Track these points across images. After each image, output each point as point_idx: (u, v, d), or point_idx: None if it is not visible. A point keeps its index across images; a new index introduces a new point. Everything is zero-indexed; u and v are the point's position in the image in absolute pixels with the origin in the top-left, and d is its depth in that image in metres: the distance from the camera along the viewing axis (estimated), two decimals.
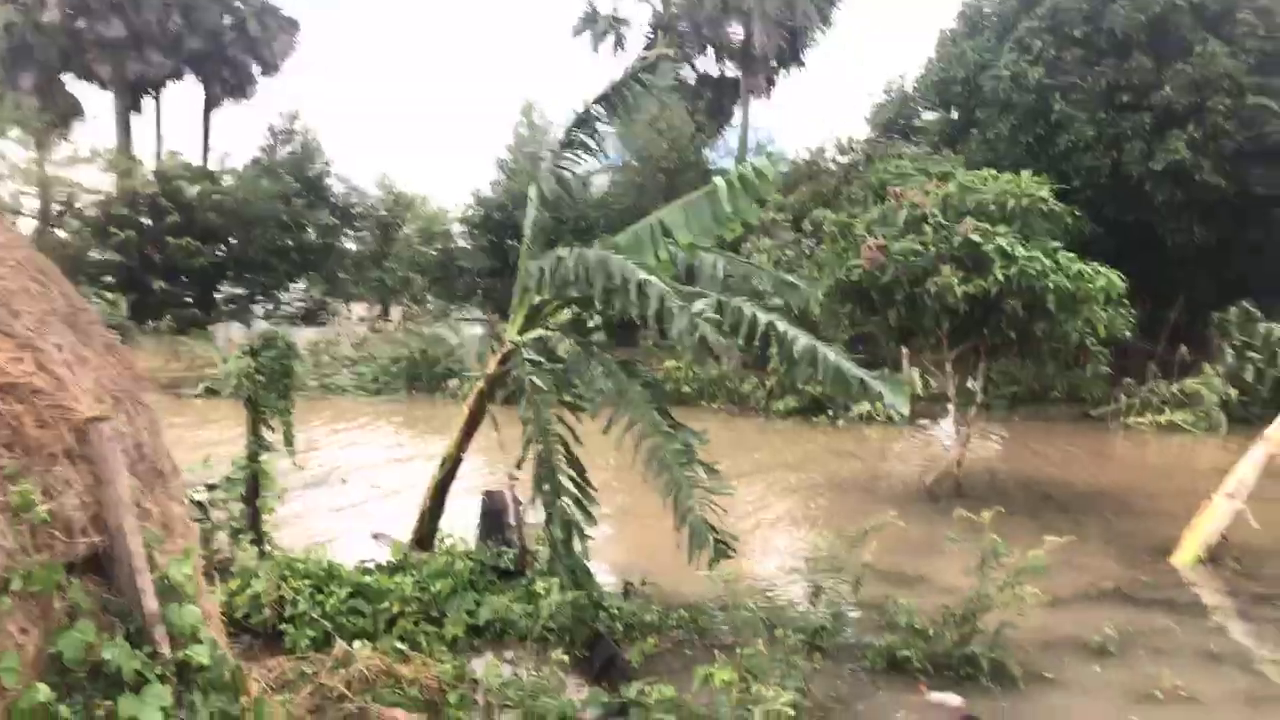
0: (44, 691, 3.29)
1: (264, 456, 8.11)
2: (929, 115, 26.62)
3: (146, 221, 34.08)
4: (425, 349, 23.16)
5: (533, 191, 8.54)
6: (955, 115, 25.32)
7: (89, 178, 35.06)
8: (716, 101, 42.04)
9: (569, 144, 8.51)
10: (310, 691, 5.61)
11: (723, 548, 6.77)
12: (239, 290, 38.60)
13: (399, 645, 6.47)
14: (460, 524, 9.00)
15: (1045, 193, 12.58)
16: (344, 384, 22.82)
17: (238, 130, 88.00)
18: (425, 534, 8.71)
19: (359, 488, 12.71)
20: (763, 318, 7.29)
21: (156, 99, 45.09)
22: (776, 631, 6.68)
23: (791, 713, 5.34)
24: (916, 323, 12.44)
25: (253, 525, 8.05)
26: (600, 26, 42.08)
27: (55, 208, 35.04)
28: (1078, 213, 16.89)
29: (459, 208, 36.89)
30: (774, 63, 41.52)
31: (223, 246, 35.98)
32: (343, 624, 6.84)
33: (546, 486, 6.92)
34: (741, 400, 21.25)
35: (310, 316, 41.22)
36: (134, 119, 43.71)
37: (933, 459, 14.54)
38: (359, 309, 43.46)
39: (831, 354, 7.20)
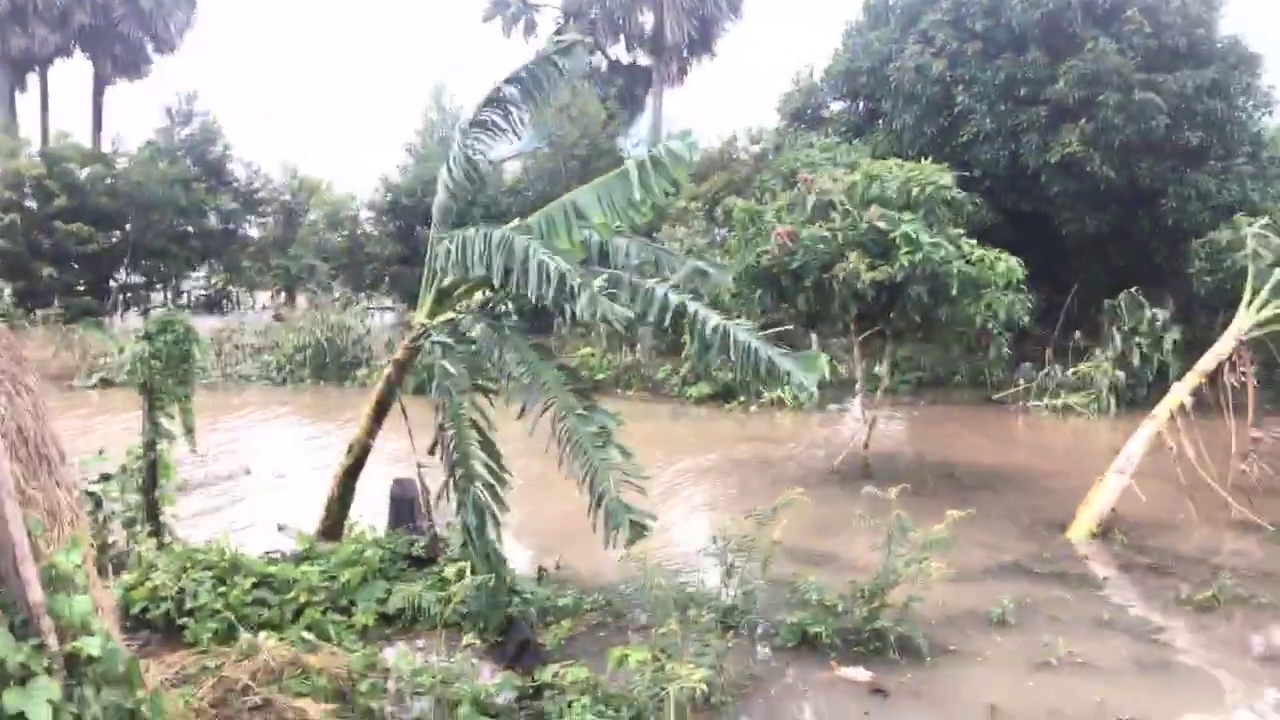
0: None
1: (162, 445, 7.82)
2: (836, 105, 27.04)
3: (32, 205, 32.42)
4: (332, 337, 22.63)
5: (442, 173, 8.40)
6: (861, 106, 25.78)
7: None
8: (629, 89, 42.03)
9: (479, 124, 8.38)
10: (213, 684, 5.44)
11: (639, 528, 6.78)
12: (135, 278, 37.10)
13: (306, 635, 6.33)
14: (371, 512, 8.84)
15: (948, 180, 12.92)
16: (248, 373, 22.16)
17: (132, 112, 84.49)
18: (333, 523, 8.54)
19: (264, 478, 12.37)
20: (674, 298, 7.32)
21: (43, 77, 42.96)
22: (690, 611, 6.74)
23: (705, 689, 5.40)
24: (825, 308, 12.67)
25: (151, 517, 7.76)
26: (511, 11, 41.63)
27: None
28: (978, 201, 17.45)
29: (367, 193, 36.13)
30: (685, 51, 41.70)
31: (117, 232, 34.44)
32: (247, 615, 6.66)
33: (459, 472, 6.83)
34: (655, 387, 21.36)
35: (212, 305, 39.87)
36: (19, 98, 41.58)
37: (841, 442, 14.84)
38: (263, 297, 42.26)
39: (742, 334, 7.28)
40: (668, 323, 7.55)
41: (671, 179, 8.00)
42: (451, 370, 7.06)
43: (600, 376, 21.54)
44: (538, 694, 5.74)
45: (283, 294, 39.98)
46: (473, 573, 6.27)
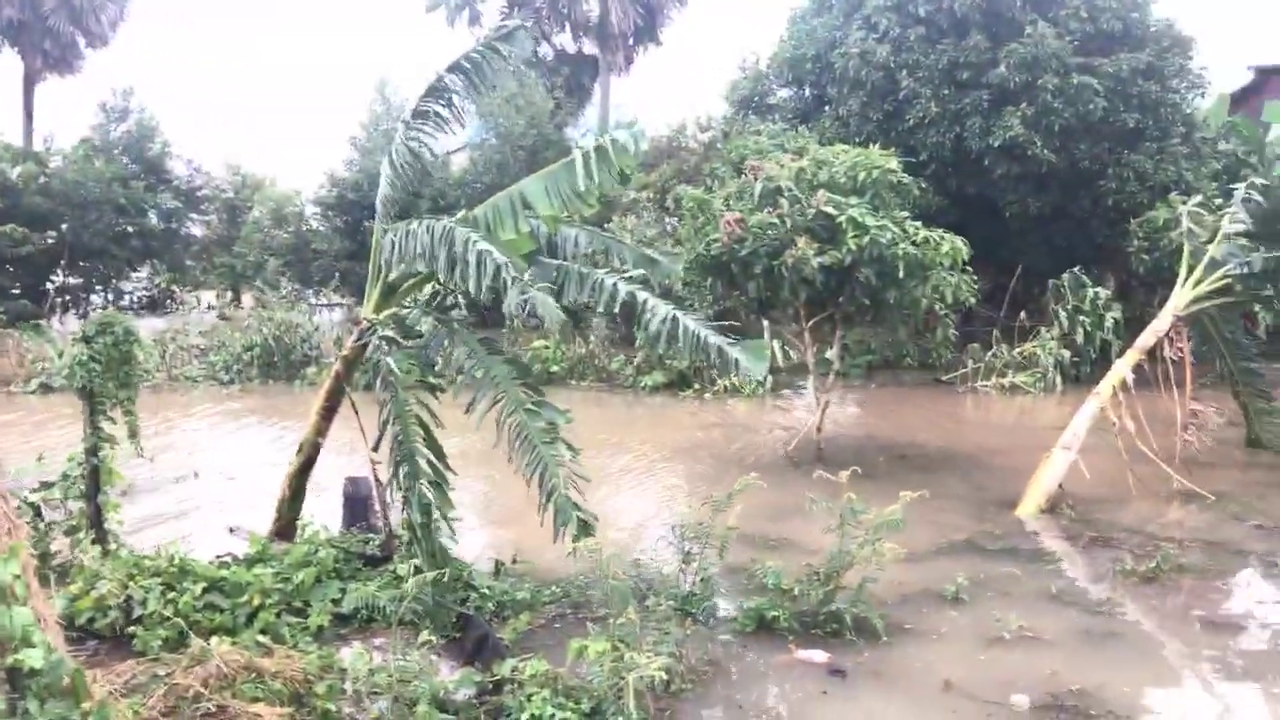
0: None
1: (105, 450, 7.63)
2: (783, 92, 27.15)
3: None
4: (280, 335, 22.25)
5: (385, 165, 8.29)
6: (808, 92, 25.93)
7: None
8: (575, 79, 41.82)
9: (421, 114, 8.28)
10: (164, 693, 5.33)
11: (586, 525, 6.79)
12: (74, 279, 36.15)
13: (260, 639, 6.24)
14: (324, 512, 8.74)
15: (894, 165, 13.05)
16: (194, 374, 21.71)
17: (65, 109, 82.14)
18: (285, 524, 8.43)
19: (213, 480, 12.14)
20: (624, 288, 7.32)
21: None
22: (648, 600, 6.76)
23: (664, 677, 5.41)
24: (775, 295, 12.74)
25: (95, 524, 7.57)
26: (454, 1, 41.19)
27: None
28: (924, 185, 17.67)
29: (312, 189, 35.54)
30: (632, 40, 41.60)
31: (53, 233, 33.48)
32: (198, 621, 6.54)
33: (404, 469, 6.77)
34: (610, 377, 21.34)
35: (155, 305, 38.99)
36: None
37: (794, 427, 14.96)
38: (208, 296, 41.44)
39: (692, 323, 7.29)
40: (617, 311, 7.54)
41: (619, 168, 7.98)
42: (395, 366, 6.99)
43: (554, 368, 21.47)
44: (497, 689, 5.72)
45: (229, 293, 39.25)
46: (420, 571, 6.21)
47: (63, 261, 34.20)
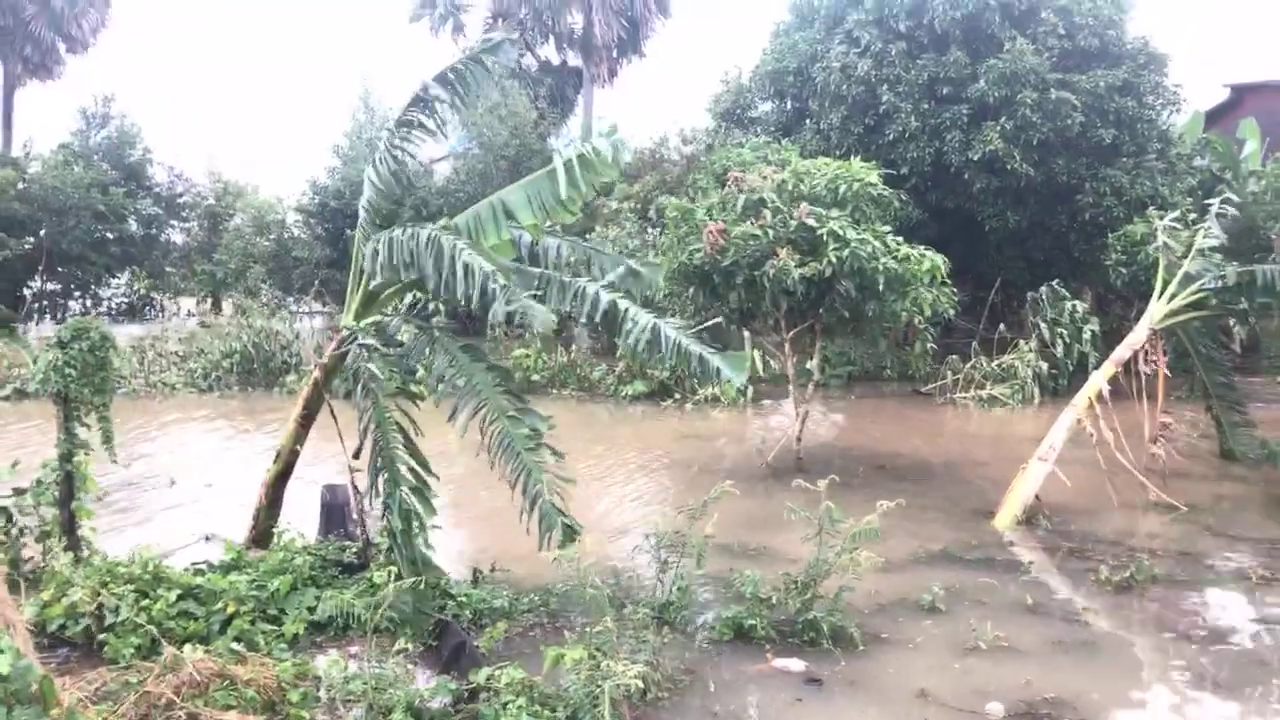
0: None
1: (79, 456, 7.57)
2: (765, 106, 27.29)
3: None
4: (259, 343, 22.12)
5: (369, 173, 8.30)
6: (790, 105, 26.07)
7: None
8: (559, 90, 41.91)
9: (405, 123, 8.29)
10: (135, 701, 5.29)
11: (571, 531, 6.79)
12: (52, 285, 35.85)
13: (235, 646, 6.20)
14: (301, 520, 8.69)
15: (874, 178, 13.14)
16: (172, 381, 21.54)
17: (46, 115, 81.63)
18: (262, 531, 8.39)
19: (190, 488, 12.05)
20: (605, 296, 7.34)
21: None
22: (625, 609, 6.77)
23: (640, 685, 5.41)
24: (756, 305, 12.80)
25: (68, 530, 7.50)
26: (439, 11, 41.25)
27: None
28: (904, 198, 17.79)
29: (294, 197, 35.44)
30: (615, 52, 41.75)
31: (30, 239, 33.22)
32: (172, 629, 6.49)
33: (384, 476, 6.75)
34: (591, 386, 21.33)
35: (134, 311, 38.72)
36: None
37: (774, 437, 15.00)
38: (188, 303, 41.16)
39: (673, 332, 7.32)
40: (599, 320, 7.56)
41: (600, 177, 8.02)
42: (377, 373, 6.98)
43: (536, 377, 21.45)
44: (473, 697, 5.70)
45: (209, 300, 39.01)
46: (400, 577, 6.19)
47: (41, 267, 33.96)
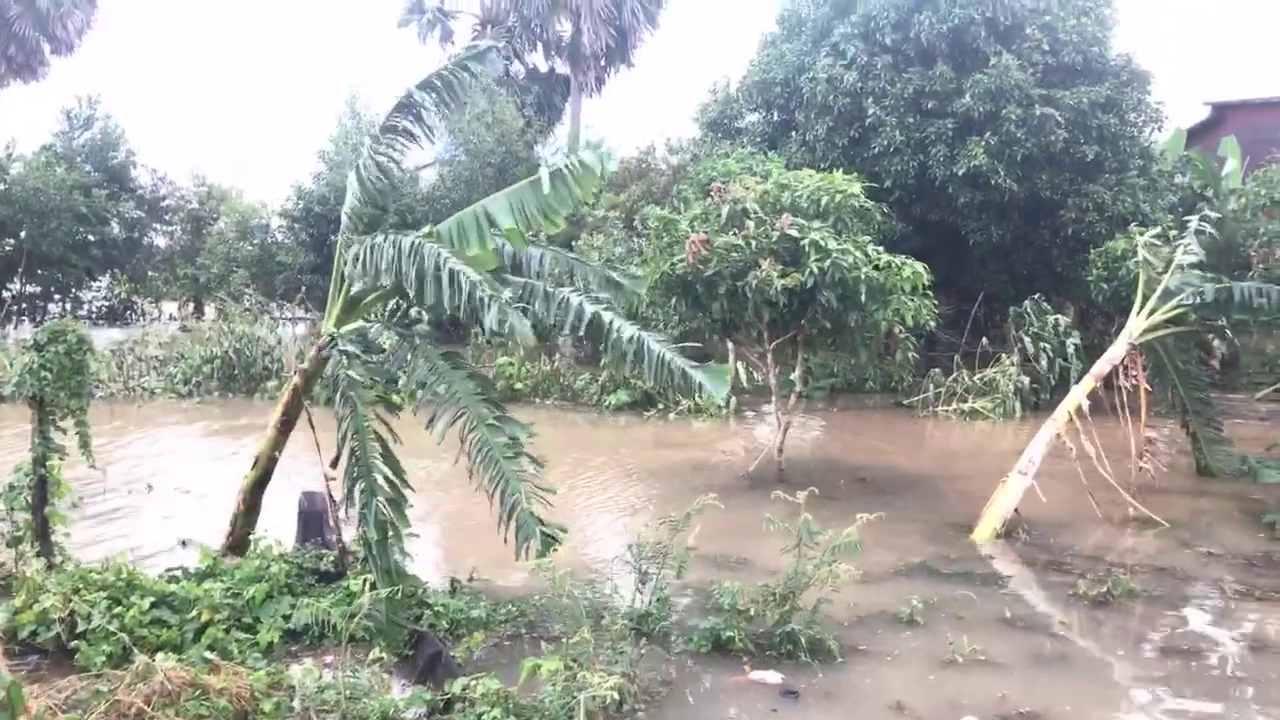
0: None
1: (53, 461, 7.49)
2: (752, 116, 27.41)
3: None
4: (240, 348, 21.99)
5: (351, 178, 8.27)
6: (776, 117, 26.19)
7: None
8: (547, 98, 41.92)
9: (390, 129, 8.28)
10: (105, 710, 5.23)
11: (550, 540, 6.76)
12: (32, 288, 35.55)
13: (208, 655, 6.14)
14: (279, 526, 8.62)
15: (857, 190, 13.19)
16: (152, 386, 21.39)
17: (29, 115, 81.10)
18: (239, 538, 8.32)
19: (167, 493, 11.95)
20: (589, 308, 7.33)
21: None
22: (603, 620, 6.74)
23: (616, 696, 5.39)
24: (738, 315, 12.82)
25: (41, 536, 7.42)
26: (426, 18, 41.24)
27: None
28: (886, 210, 17.89)
29: (278, 202, 35.30)
30: (603, 61, 41.79)
31: (10, 241, 32.96)
32: (144, 636, 6.42)
33: (360, 485, 6.71)
34: (574, 396, 21.31)
35: (115, 315, 38.46)
36: None
37: (756, 448, 15.01)
38: (170, 308, 40.90)
39: (655, 344, 7.32)
40: (583, 332, 7.55)
41: (585, 189, 8.03)
42: (357, 380, 6.94)
43: (519, 386, 21.41)
44: (448, 708, 5.67)
45: (191, 304, 38.77)
46: (374, 587, 6.15)
47: (20, 270, 33.68)
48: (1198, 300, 12.04)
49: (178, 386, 21.39)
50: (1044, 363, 20.75)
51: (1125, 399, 12.10)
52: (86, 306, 38.17)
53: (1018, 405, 20.31)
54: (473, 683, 5.64)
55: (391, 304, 8.76)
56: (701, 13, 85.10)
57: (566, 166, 7.82)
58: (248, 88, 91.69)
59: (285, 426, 8.32)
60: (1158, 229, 15.37)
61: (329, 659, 6.60)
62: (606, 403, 20.30)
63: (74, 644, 6.29)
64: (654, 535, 7.42)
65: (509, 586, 8.19)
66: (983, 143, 21.73)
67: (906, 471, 14.63)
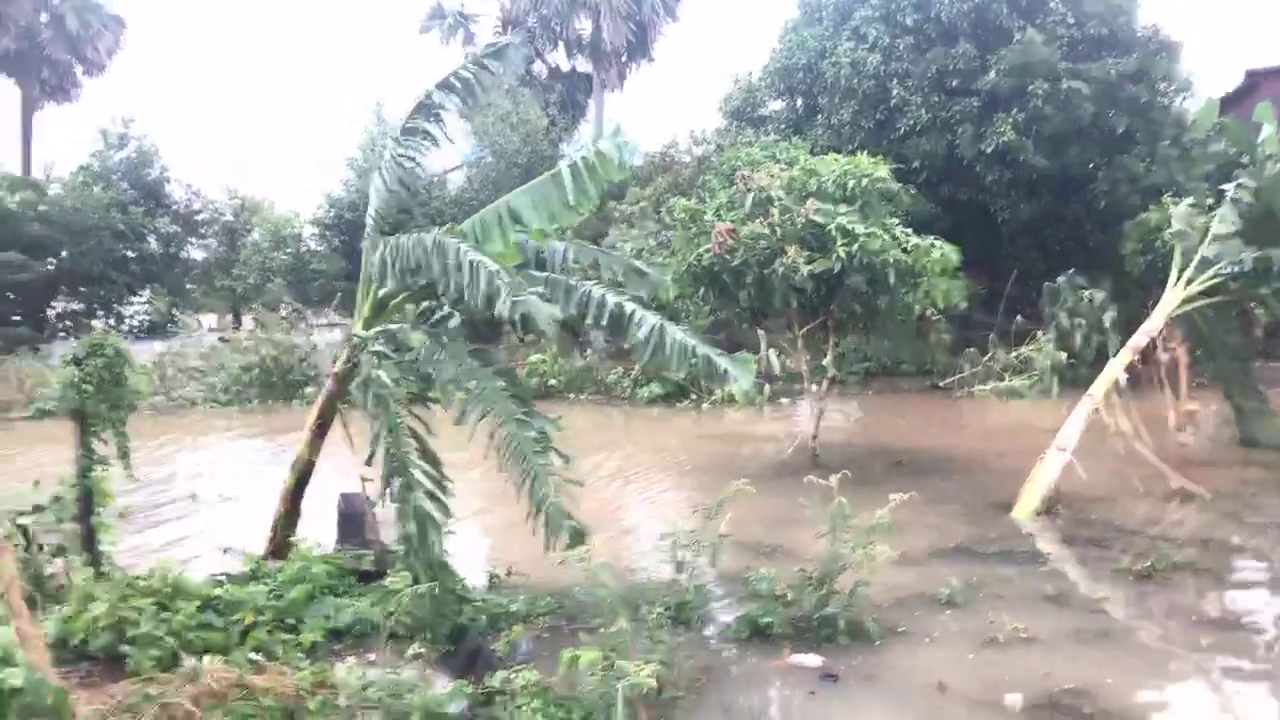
0: None
1: (97, 471, 7.64)
2: (775, 104, 27.27)
3: None
4: (278, 356, 22.30)
5: (375, 180, 8.35)
6: (800, 103, 26.05)
7: None
8: (570, 96, 42.00)
9: (410, 131, 8.34)
10: (155, 713, 5.34)
11: (578, 533, 6.79)
12: (75, 305, 36.24)
13: (253, 656, 6.24)
14: (319, 529, 8.74)
15: (883, 173, 13.09)
16: (193, 396, 21.76)
17: (65, 136, 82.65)
18: (280, 542, 8.43)
19: (210, 502, 12.16)
20: (612, 299, 7.34)
21: None
22: (641, 609, 6.76)
23: (654, 683, 5.41)
24: (767, 303, 12.78)
25: (88, 546, 7.58)
26: (448, 22, 41.46)
27: None
28: (913, 191, 17.73)
29: (310, 210, 35.71)
30: (624, 56, 41.78)
31: (52, 260, 33.63)
32: (191, 640, 6.53)
33: (397, 482, 6.78)
34: (608, 390, 21.38)
35: (155, 329, 39.08)
36: None
37: (791, 436, 14.96)
38: (209, 319, 41.51)
39: (680, 335, 7.32)
40: (605, 323, 7.57)
41: (606, 179, 8.04)
42: (386, 380, 7.01)
43: (553, 382, 21.51)
44: (489, 701, 5.72)
45: (229, 315, 39.32)
46: (416, 583, 6.22)
47: (63, 287, 34.36)
48: (1236, 269, 11.80)
49: (218, 396, 21.74)
50: (1079, 338, 20.42)
51: (1164, 372, 11.90)
52: (128, 322, 38.84)
53: (1054, 382, 20.02)
54: (512, 675, 5.69)
55: (420, 305, 8.83)
56: (717, 2, 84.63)
57: (584, 158, 7.84)
58: (273, 97, 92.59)
59: (321, 430, 8.42)
60: (1192, 199, 15.09)
61: (371, 657, 6.69)
62: (640, 395, 20.35)
63: (123, 650, 6.42)
64: (689, 524, 7.43)
65: (547, 580, 8.24)
66: (1010, 119, 21.47)
67: (943, 453, 14.51)
